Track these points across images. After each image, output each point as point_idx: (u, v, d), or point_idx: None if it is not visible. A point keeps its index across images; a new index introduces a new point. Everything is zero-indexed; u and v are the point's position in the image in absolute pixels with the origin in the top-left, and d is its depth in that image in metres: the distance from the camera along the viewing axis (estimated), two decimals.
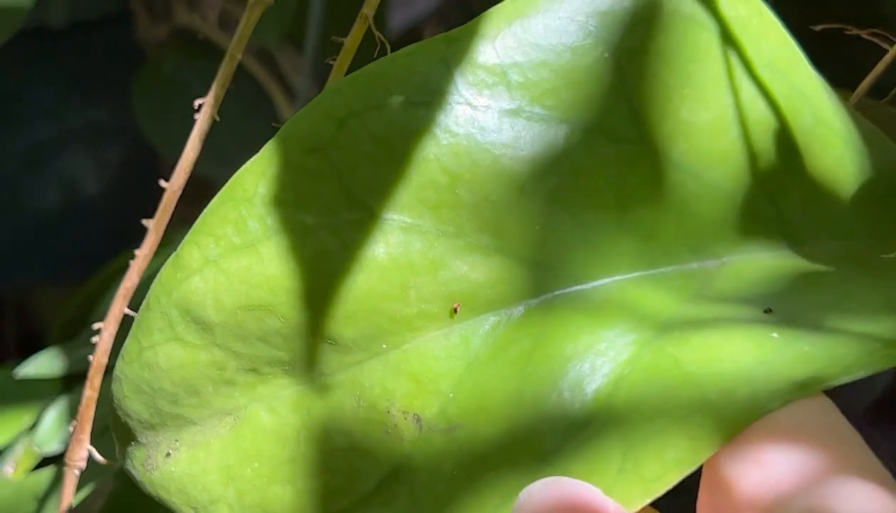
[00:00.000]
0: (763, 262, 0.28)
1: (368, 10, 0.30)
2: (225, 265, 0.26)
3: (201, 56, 0.65)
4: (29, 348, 0.50)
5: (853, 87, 0.33)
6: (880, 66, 0.33)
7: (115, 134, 0.70)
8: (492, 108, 0.26)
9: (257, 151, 0.26)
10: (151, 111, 0.65)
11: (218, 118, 0.32)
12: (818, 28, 0.34)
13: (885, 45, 0.33)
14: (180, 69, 0.66)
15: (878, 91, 0.34)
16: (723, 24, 0.27)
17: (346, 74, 0.30)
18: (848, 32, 0.33)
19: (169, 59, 0.67)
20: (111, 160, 0.71)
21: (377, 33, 0.29)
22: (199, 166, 0.48)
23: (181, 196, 0.34)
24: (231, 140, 0.57)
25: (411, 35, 0.76)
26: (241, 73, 0.61)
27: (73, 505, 0.37)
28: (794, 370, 0.23)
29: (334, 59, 0.31)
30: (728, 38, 0.28)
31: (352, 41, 0.31)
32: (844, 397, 0.44)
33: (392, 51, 0.27)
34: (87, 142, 0.69)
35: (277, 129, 0.27)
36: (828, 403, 0.23)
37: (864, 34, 0.33)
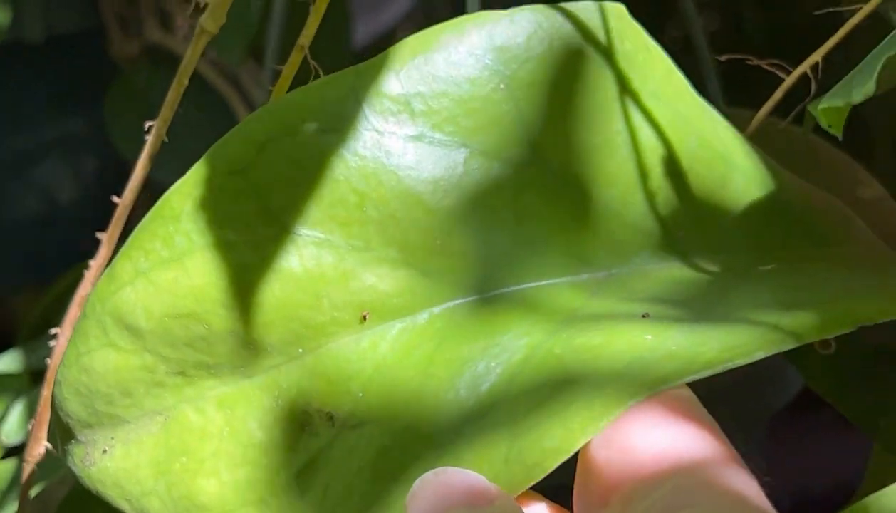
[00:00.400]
0: (649, 273, 0.31)
1: (304, 40, 0.32)
2: (154, 277, 0.28)
3: (172, 71, 0.67)
4: (5, 349, 0.53)
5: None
6: (778, 93, 0.35)
7: (90, 145, 0.72)
8: (397, 134, 0.29)
9: None
10: (122, 124, 0.67)
11: (167, 139, 0.35)
12: (723, 58, 0.36)
13: (783, 75, 0.35)
14: (151, 84, 0.68)
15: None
16: (609, 57, 0.30)
17: None
18: (750, 63, 0.35)
19: (140, 74, 0.69)
20: (86, 170, 0.72)
21: (312, 63, 0.32)
22: (164, 176, 0.50)
23: (146, 207, 0.36)
24: (199, 154, 0.59)
25: (382, 43, 0.77)
26: (204, 86, 0.64)
27: (36, 493, 0.39)
28: (661, 367, 0.26)
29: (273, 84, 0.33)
30: (615, 71, 0.30)
31: (289, 69, 0.33)
32: (749, 409, 0.47)
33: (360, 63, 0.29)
34: (64, 152, 0.71)
35: None
36: (689, 394, 0.26)
37: (764, 64, 0.35)
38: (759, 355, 0.26)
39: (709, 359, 0.26)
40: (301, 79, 0.31)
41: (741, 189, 0.31)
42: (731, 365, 0.26)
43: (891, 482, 0.39)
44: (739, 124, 0.34)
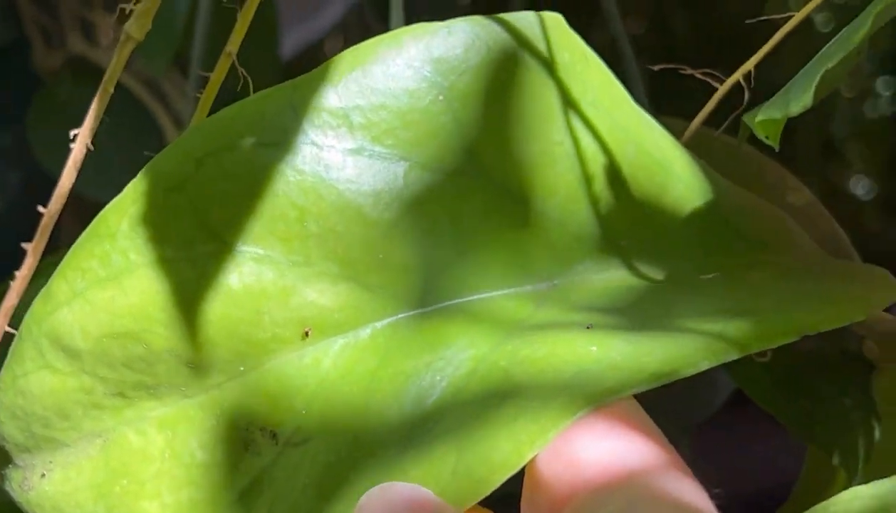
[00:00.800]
0: (593, 283, 0.31)
1: (232, 47, 0.32)
2: (91, 297, 0.28)
3: (95, 83, 0.66)
4: None
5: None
6: (711, 103, 0.35)
7: (14, 158, 0.71)
8: (336, 147, 0.29)
9: None
10: (45, 137, 0.66)
11: (92, 148, 0.34)
12: (657, 68, 0.36)
13: (716, 84, 0.35)
14: (74, 96, 0.67)
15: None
16: (549, 68, 0.30)
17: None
18: (682, 72, 0.35)
19: (64, 86, 0.68)
20: (10, 183, 0.72)
21: (241, 69, 0.31)
22: (93, 191, 0.49)
23: (77, 220, 0.35)
24: (122, 165, 0.58)
25: (310, 53, 0.78)
26: (128, 97, 0.63)
27: None
28: (606, 379, 0.26)
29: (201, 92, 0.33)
30: (554, 81, 0.30)
31: (217, 75, 0.32)
32: (679, 413, 0.47)
33: (288, 72, 0.29)
34: None
35: None
36: (635, 405, 0.26)
37: (697, 73, 0.35)
38: (704, 366, 0.26)
39: (653, 370, 0.26)
40: (228, 87, 0.31)
41: (681, 197, 0.32)
42: (676, 376, 0.26)
43: (826, 481, 0.40)
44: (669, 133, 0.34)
